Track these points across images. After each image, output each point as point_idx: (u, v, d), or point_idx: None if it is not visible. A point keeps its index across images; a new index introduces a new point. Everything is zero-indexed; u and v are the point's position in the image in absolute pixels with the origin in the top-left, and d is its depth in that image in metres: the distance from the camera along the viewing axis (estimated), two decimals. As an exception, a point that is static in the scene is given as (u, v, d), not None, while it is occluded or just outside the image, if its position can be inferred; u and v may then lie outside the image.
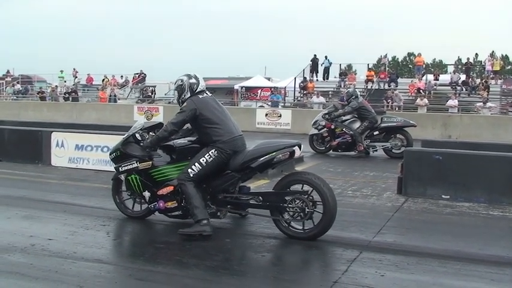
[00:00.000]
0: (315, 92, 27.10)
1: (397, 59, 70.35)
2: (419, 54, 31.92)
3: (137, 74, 36.73)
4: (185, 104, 5.66)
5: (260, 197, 5.64)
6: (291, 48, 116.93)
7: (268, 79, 40.18)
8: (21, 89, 34.48)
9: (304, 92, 29.57)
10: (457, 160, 7.87)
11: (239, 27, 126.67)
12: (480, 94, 25.30)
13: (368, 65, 32.92)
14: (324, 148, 13.66)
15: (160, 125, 6.13)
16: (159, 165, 5.86)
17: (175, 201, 5.74)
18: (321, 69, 31.91)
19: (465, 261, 4.88)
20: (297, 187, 5.51)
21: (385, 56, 36.67)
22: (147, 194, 5.97)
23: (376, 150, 13.24)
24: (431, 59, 64.72)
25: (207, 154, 5.51)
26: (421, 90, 26.57)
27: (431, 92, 27.50)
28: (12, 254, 4.85)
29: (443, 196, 7.68)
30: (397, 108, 23.92)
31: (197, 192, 5.48)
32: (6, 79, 37.03)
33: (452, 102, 23.43)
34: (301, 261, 5.12)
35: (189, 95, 5.74)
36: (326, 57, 31.68)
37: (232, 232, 5.87)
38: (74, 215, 6.41)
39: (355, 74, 35.73)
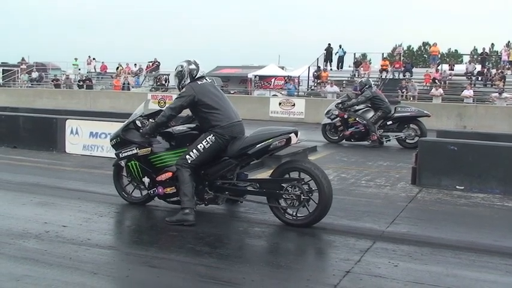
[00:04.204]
0: (329, 81, 26.99)
1: (412, 48, 69.70)
2: (435, 44, 31.59)
3: (151, 62, 36.78)
4: (184, 89, 5.69)
5: (257, 184, 5.69)
6: (305, 37, 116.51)
7: (282, 68, 40.13)
8: (36, 76, 34.68)
9: (318, 81, 29.44)
10: (472, 151, 7.79)
11: (253, 15, 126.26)
12: (496, 84, 25.02)
13: (383, 54, 32.55)
14: (337, 137, 13.62)
15: (160, 112, 6.15)
16: (158, 151, 5.91)
17: (173, 187, 5.77)
18: (335, 58, 31.71)
19: (479, 252, 4.84)
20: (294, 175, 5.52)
21: (400, 46, 36.43)
22: (146, 180, 6.04)
23: (389, 140, 13.16)
24: (447, 49, 64.30)
25: (205, 140, 5.54)
26: (436, 80, 26.34)
27: (447, 82, 27.24)
28: (26, 240, 4.90)
29: (457, 187, 7.63)
30: (411, 98, 23.74)
31: (190, 180, 5.52)
32: (21, 66, 37.22)
33: (468, 92, 23.21)
34: (314, 251, 5.12)
35: (188, 80, 5.75)
36: (340, 46, 31.46)
37: (246, 221, 5.86)
38: (88, 202, 6.46)
39: (370, 63, 35.44)
